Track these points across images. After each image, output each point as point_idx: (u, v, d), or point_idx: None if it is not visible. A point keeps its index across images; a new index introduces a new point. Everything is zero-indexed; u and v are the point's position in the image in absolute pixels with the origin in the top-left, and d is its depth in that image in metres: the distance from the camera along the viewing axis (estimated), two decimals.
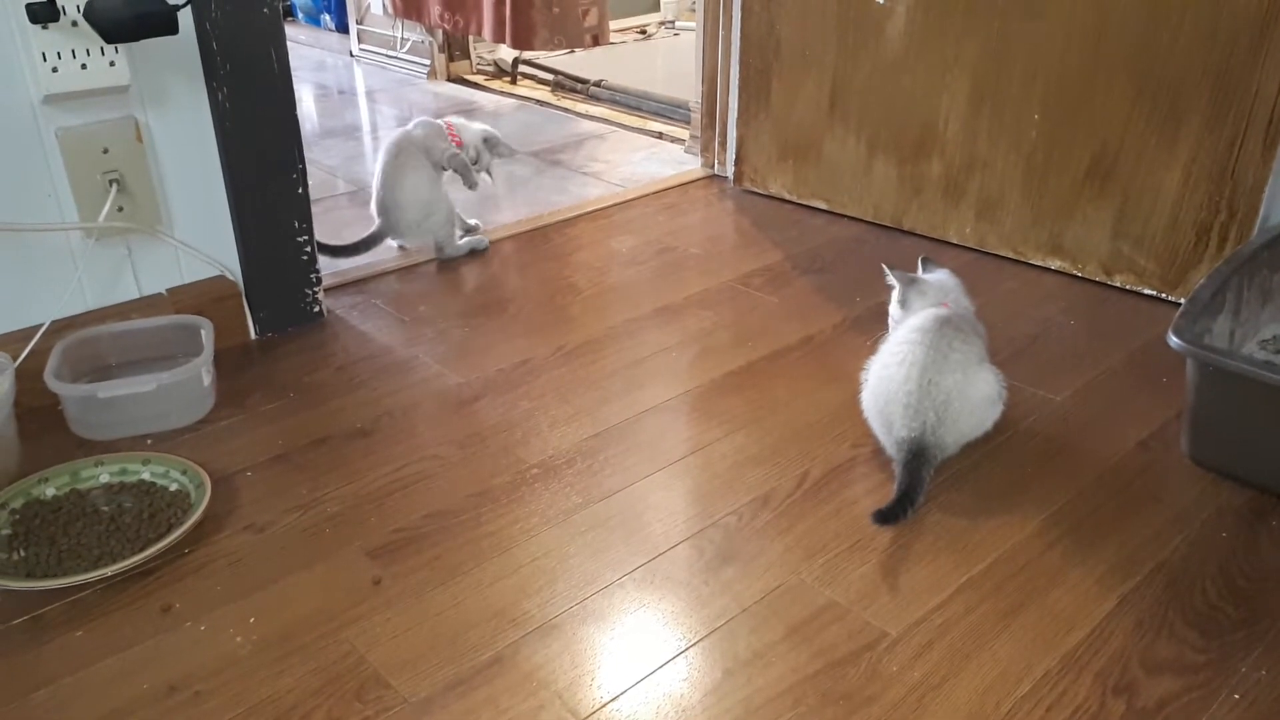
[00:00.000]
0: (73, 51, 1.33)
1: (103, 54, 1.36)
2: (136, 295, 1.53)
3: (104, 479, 1.26)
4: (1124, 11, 1.66)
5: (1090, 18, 1.70)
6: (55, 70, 1.33)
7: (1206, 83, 1.62)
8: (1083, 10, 1.70)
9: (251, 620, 1.06)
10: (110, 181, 1.43)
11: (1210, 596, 1.09)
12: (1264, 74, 1.56)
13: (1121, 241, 1.79)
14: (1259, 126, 1.58)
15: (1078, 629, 1.04)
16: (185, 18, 1.41)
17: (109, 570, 1.10)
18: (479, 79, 3.46)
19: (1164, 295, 1.77)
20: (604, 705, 0.96)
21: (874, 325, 1.68)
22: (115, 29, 1.31)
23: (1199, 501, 1.25)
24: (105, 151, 1.42)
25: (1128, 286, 1.81)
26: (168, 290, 1.55)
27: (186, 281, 1.57)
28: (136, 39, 1.34)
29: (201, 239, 1.56)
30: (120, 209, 1.45)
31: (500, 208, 2.25)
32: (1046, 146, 1.82)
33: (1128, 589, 1.10)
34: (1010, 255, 1.94)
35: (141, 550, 1.13)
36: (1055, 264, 1.88)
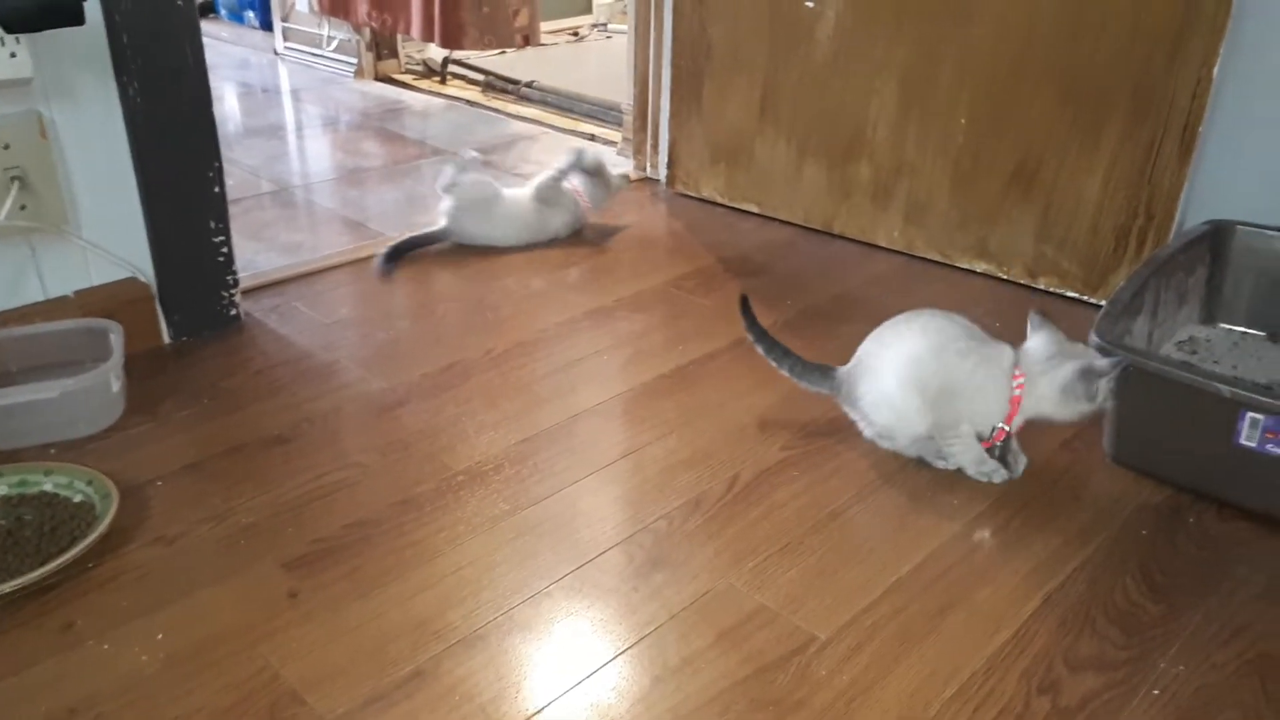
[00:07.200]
0: None
1: (3, 45, 1.29)
2: (41, 298, 1.46)
3: (2, 491, 1.20)
4: (1049, 20, 1.69)
5: (1017, 25, 1.72)
6: None
7: (1126, 91, 1.65)
8: (1010, 17, 1.73)
9: (159, 637, 1.01)
10: (12, 179, 1.36)
11: (1131, 594, 1.11)
12: (1179, 84, 1.60)
13: (1045, 245, 1.82)
14: (1175, 133, 1.62)
15: (1004, 628, 1.05)
16: (93, 8, 1.35)
17: (6, 587, 1.04)
18: (408, 78, 3.40)
19: (1086, 297, 1.80)
20: (530, 718, 0.93)
21: (805, 328, 1.68)
22: (16, 18, 1.25)
23: (1120, 500, 1.27)
24: (6, 147, 1.35)
25: (1051, 289, 1.84)
26: (75, 292, 1.49)
27: (95, 284, 1.50)
28: (39, 29, 1.28)
29: (111, 239, 1.50)
30: (23, 207, 1.39)
31: (429, 208, 2.20)
32: (973, 151, 1.84)
33: (1052, 587, 1.11)
34: (937, 258, 1.96)
35: (41, 565, 1.07)
36: (981, 267, 1.91)
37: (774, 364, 1.36)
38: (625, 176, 2.15)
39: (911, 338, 1.27)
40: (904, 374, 1.26)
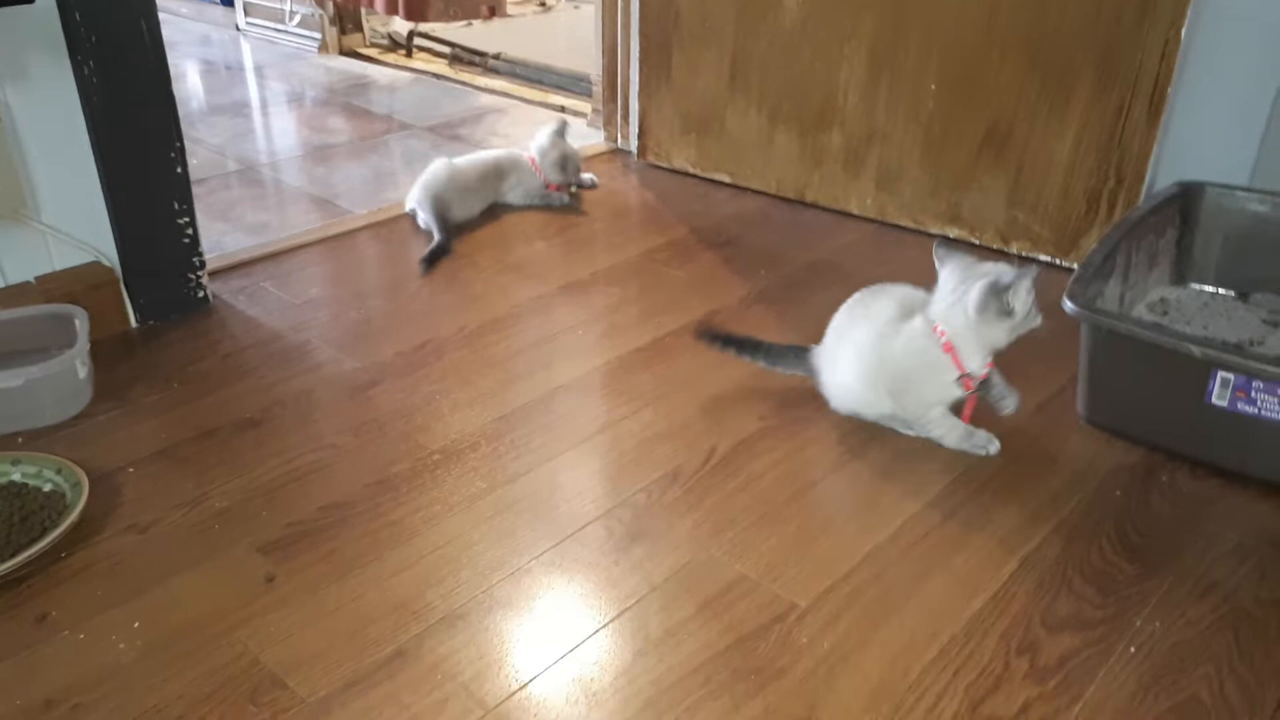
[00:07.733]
0: None
1: None
2: (1, 284, 1.43)
3: None
4: None
5: None
6: None
7: (1094, 54, 1.65)
8: None
9: (136, 625, 1.00)
10: None
11: (1107, 553, 1.12)
12: (1147, 47, 1.60)
13: (1017, 209, 1.82)
14: (1143, 97, 1.63)
15: (982, 592, 1.06)
16: None
17: None
18: (373, 53, 3.35)
19: (1058, 260, 1.81)
20: (512, 694, 0.93)
21: (779, 298, 1.68)
22: None
23: (1094, 462, 1.28)
24: None
25: (1024, 253, 1.84)
26: (36, 278, 1.46)
27: (57, 268, 1.47)
28: None
29: (73, 223, 1.47)
30: None
31: (399, 184, 2.18)
32: (944, 117, 1.84)
33: (1029, 550, 1.12)
34: (910, 225, 1.96)
35: (12, 556, 1.05)
36: (954, 232, 1.91)
37: (749, 360, 1.39)
38: (592, 178, 2.18)
39: (856, 327, 1.29)
40: (859, 363, 1.28)
